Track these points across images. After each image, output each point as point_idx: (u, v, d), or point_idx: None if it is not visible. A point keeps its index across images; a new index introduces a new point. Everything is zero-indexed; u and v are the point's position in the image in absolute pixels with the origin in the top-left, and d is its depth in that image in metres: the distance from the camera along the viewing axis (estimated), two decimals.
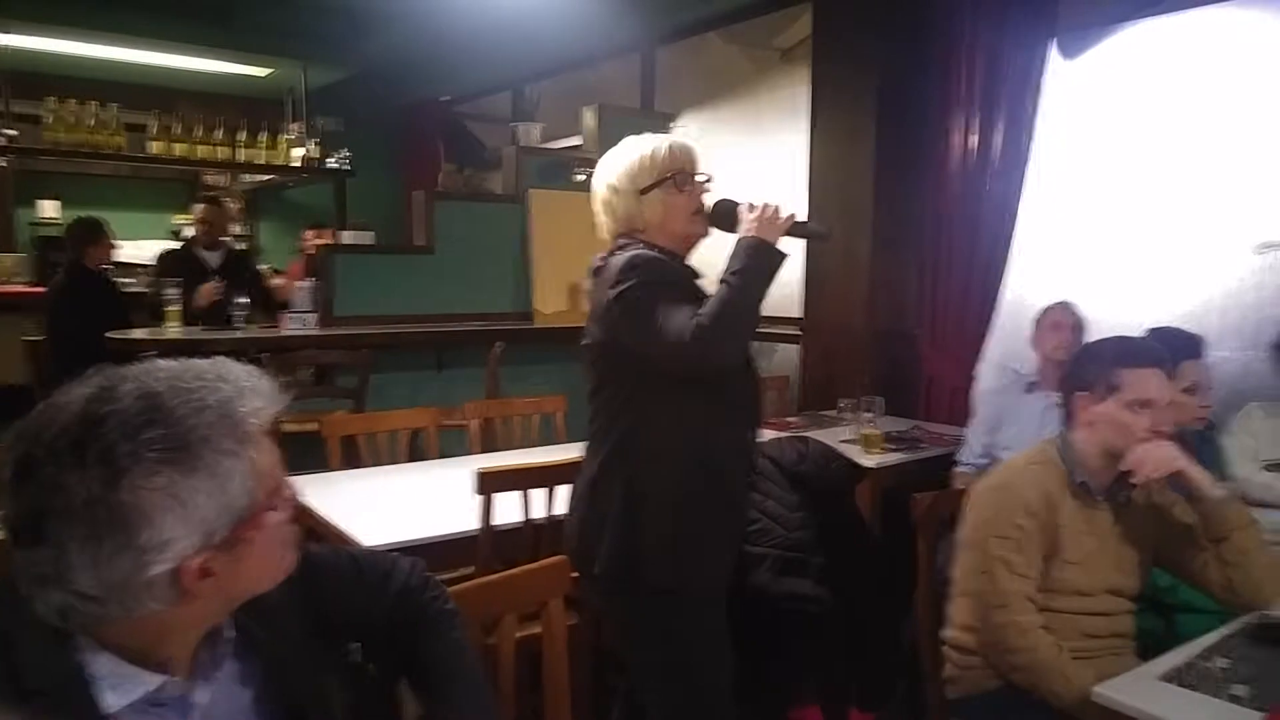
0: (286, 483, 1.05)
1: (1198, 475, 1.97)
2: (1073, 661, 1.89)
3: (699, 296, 2.02)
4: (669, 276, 1.99)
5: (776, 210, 2.02)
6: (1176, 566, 2.13)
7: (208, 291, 5.06)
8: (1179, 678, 1.64)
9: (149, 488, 0.91)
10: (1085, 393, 2.05)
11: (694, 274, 2.12)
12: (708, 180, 2.14)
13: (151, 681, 1.00)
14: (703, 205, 2.11)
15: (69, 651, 0.96)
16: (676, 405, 1.99)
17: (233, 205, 7.79)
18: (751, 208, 2.03)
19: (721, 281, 1.95)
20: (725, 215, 2.08)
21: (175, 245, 6.27)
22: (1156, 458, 1.95)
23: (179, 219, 8.28)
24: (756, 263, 1.95)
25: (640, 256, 1.98)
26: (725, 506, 2.08)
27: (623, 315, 1.94)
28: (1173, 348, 2.29)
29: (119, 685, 0.98)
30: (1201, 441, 2.53)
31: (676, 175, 2.07)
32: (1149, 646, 2.04)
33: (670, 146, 2.09)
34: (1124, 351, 2.05)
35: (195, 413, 0.95)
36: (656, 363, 1.95)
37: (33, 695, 0.93)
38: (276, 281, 5.95)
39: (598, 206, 2.14)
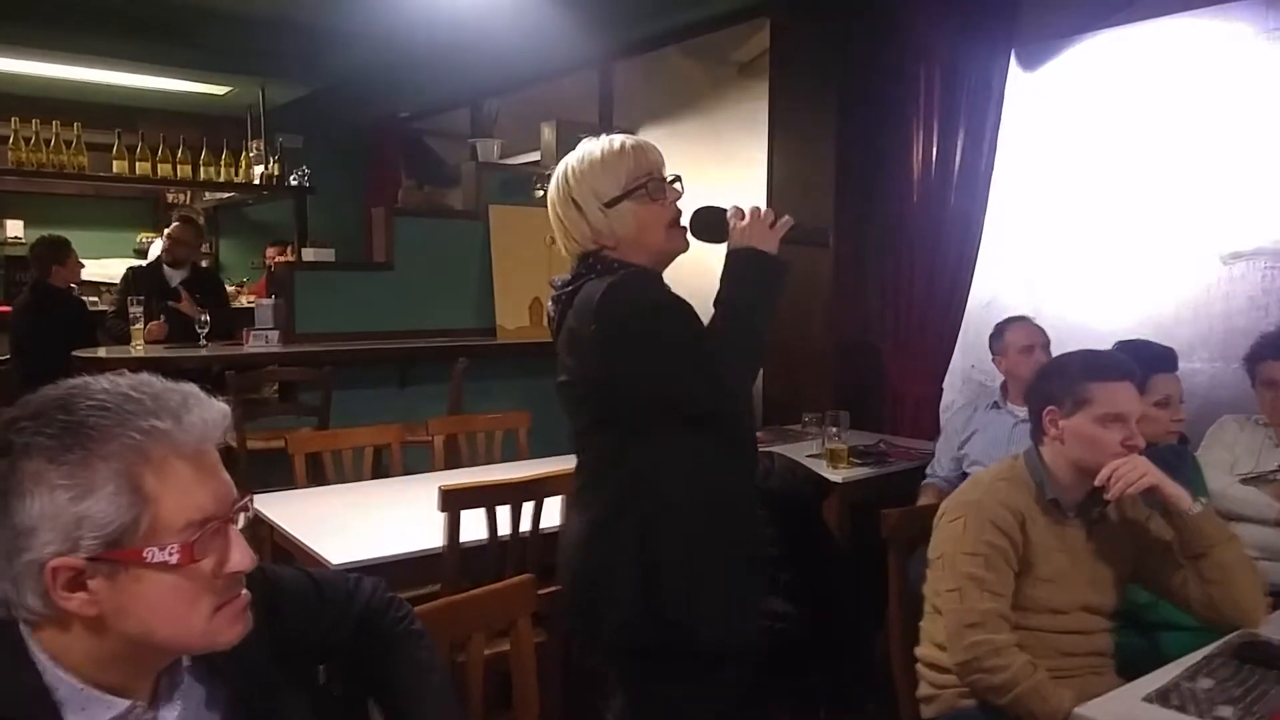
0: (218, 543, 1.00)
1: (1173, 490, 1.93)
2: (1051, 681, 1.83)
3: (689, 313, 1.78)
4: (656, 303, 1.75)
5: (769, 213, 1.79)
6: (1155, 583, 2.09)
7: (156, 330, 5.01)
8: (1163, 699, 1.59)
9: (30, 467, 0.92)
10: (1053, 407, 2.01)
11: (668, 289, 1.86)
12: (678, 183, 1.87)
13: (115, 706, 0.99)
14: (679, 214, 1.85)
15: (33, 676, 0.96)
16: (679, 445, 1.77)
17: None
18: (741, 214, 1.80)
19: (720, 303, 1.74)
20: (709, 225, 1.83)
21: (141, 263, 6.25)
22: (1129, 473, 1.90)
23: (143, 237, 8.26)
24: (758, 279, 1.75)
25: (618, 286, 1.72)
26: (743, 547, 1.87)
27: (614, 354, 1.71)
28: (1143, 361, 2.26)
29: (83, 710, 0.98)
30: (1175, 456, 2.48)
31: (648, 182, 1.80)
32: (1130, 664, 2.00)
33: (635, 148, 1.82)
34: (1092, 365, 2.02)
35: (94, 411, 0.94)
36: (658, 401, 1.73)
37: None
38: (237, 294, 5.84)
39: (556, 223, 1.87)
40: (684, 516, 1.76)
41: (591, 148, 1.84)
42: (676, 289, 1.83)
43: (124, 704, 1.00)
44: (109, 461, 0.93)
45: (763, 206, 1.81)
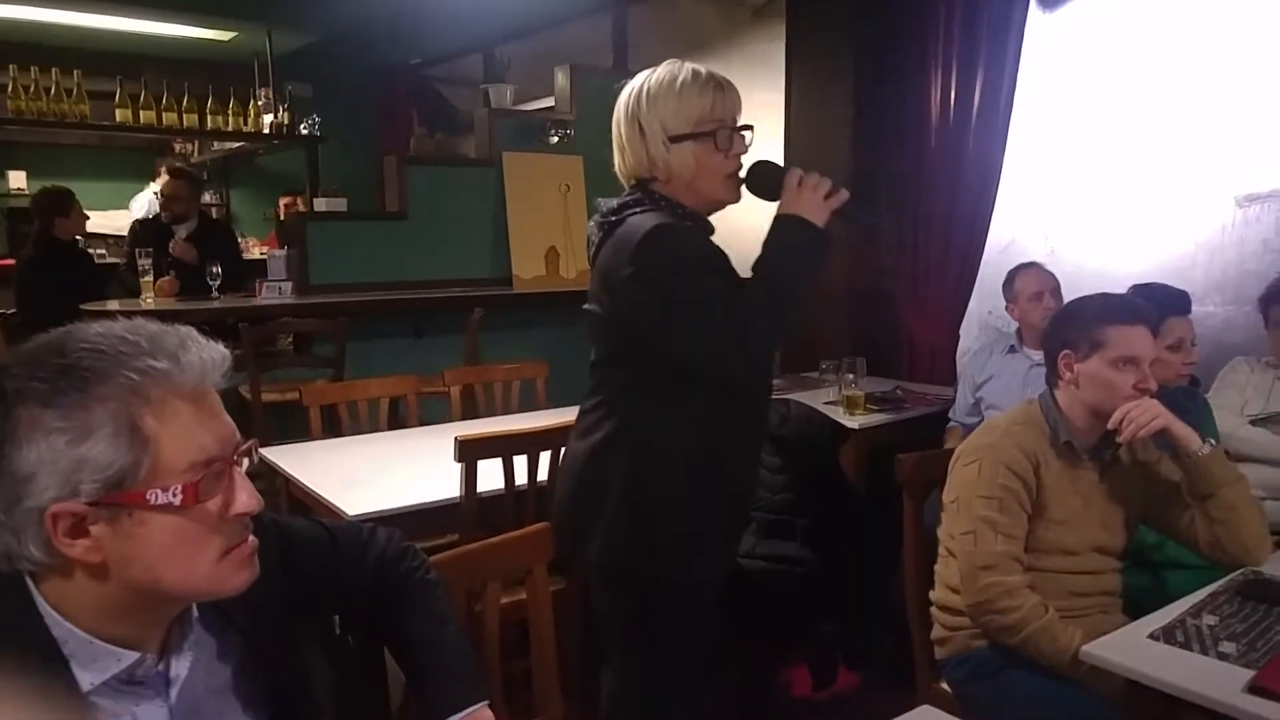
0: (223, 483, 0.99)
1: (1183, 432, 1.97)
2: (1060, 621, 1.89)
3: (727, 270, 1.81)
4: (699, 254, 1.75)
5: (827, 184, 1.76)
6: (1163, 524, 2.12)
7: (167, 287, 4.94)
8: (1168, 636, 1.63)
9: (20, 416, 0.91)
10: (1069, 351, 2.03)
11: (711, 230, 1.88)
12: (749, 133, 1.84)
13: (125, 658, 0.99)
14: (740, 167, 1.83)
15: (41, 627, 0.96)
16: (687, 396, 1.80)
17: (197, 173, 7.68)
18: (799, 178, 1.76)
19: (758, 267, 1.74)
20: (765, 181, 1.81)
21: (148, 215, 6.19)
22: (1141, 415, 1.93)
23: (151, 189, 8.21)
24: (801, 250, 1.73)
25: (661, 230, 1.70)
26: (733, 502, 1.95)
27: (643, 299, 1.72)
28: (1157, 304, 2.27)
29: (92, 663, 0.97)
30: (1186, 398, 2.50)
31: (718, 130, 1.77)
32: (1136, 604, 2.03)
33: (716, 90, 1.78)
34: (1108, 309, 2.03)
35: (89, 354, 0.93)
36: (674, 355, 1.75)
37: (10, 673, 0.92)
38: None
39: (615, 138, 1.84)
40: (675, 458, 1.80)
41: (673, 73, 1.78)
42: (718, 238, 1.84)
43: (133, 656, 0.99)
44: (106, 403, 0.92)
45: (822, 177, 1.77)
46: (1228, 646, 1.58)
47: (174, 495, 0.95)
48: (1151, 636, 1.64)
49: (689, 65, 1.80)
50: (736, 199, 1.85)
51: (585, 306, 1.89)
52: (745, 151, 1.83)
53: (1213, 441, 2.01)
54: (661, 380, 1.80)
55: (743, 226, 1.98)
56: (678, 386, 1.79)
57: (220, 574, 1.00)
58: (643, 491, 1.81)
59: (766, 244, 1.76)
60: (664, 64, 1.81)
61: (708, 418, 1.82)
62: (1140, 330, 2.00)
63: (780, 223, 1.75)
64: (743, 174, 1.83)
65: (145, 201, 7.23)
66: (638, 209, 1.78)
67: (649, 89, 1.78)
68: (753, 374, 1.87)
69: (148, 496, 0.94)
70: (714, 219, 1.90)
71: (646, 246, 1.68)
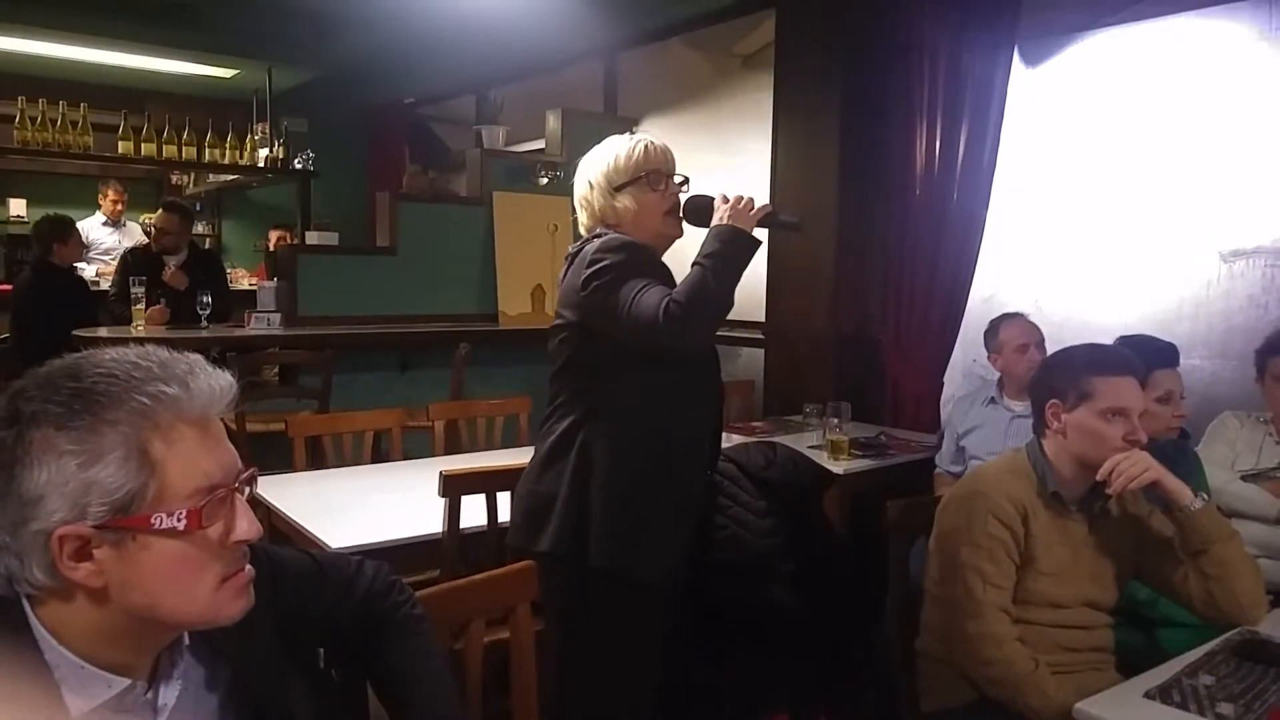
0: (225, 509, 1.00)
1: (1174, 485, 1.94)
2: (1051, 676, 1.85)
3: (670, 280, 2.06)
4: (642, 257, 2.04)
5: (751, 201, 2.06)
6: (1156, 579, 2.09)
7: (157, 316, 4.98)
8: (1164, 695, 1.60)
9: (33, 437, 0.91)
10: (1056, 401, 2.02)
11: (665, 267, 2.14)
12: (684, 182, 2.19)
13: (115, 685, 0.99)
14: (677, 204, 2.16)
15: (35, 652, 0.96)
16: (637, 389, 2.04)
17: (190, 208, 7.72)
18: (725, 199, 2.07)
19: (695, 264, 1.98)
20: (699, 210, 2.12)
21: (139, 244, 6.24)
22: (1131, 468, 1.90)
23: (147, 218, 8.23)
24: (730, 248, 1.98)
25: (614, 239, 2.04)
26: (676, 494, 2.10)
27: (595, 293, 1.98)
28: (1146, 356, 2.25)
29: (82, 689, 0.97)
30: (1176, 452, 2.48)
31: (649, 174, 2.12)
32: (1129, 662, 2.01)
33: (645, 147, 2.14)
34: (1096, 359, 2.02)
35: (103, 379, 0.94)
36: (624, 340, 1.99)
37: (1, 697, 0.93)
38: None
39: (577, 201, 2.20)
40: (622, 452, 2.03)
41: (614, 141, 2.18)
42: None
43: (123, 683, 1.00)
44: (117, 427, 0.93)
45: (745, 194, 2.08)
46: (1225, 708, 1.54)
47: (178, 520, 0.96)
48: (1147, 695, 1.60)
49: (627, 136, 2.19)
50: (679, 232, 2.19)
51: (551, 325, 2.15)
52: (678, 191, 2.18)
53: (1205, 496, 1.98)
54: (613, 369, 2.04)
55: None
56: (627, 373, 2.04)
57: (218, 602, 1.01)
58: (592, 479, 2.02)
59: (703, 244, 2.02)
60: (605, 140, 2.20)
61: (655, 409, 2.05)
62: (1129, 381, 1.98)
63: (714, 229, 2.04)
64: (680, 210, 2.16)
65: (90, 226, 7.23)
66: (595, 239, 2.08)
67: (594, 154, 2.18)
68: (684, 345, 2.03)
69: (153, 521, 0.94)
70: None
71: (599, 250, 2.01)
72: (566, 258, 2.16)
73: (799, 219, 2.30)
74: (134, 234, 7.18)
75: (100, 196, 7.21)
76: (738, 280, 1.99)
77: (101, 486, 0.92)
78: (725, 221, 2.02)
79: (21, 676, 0.94)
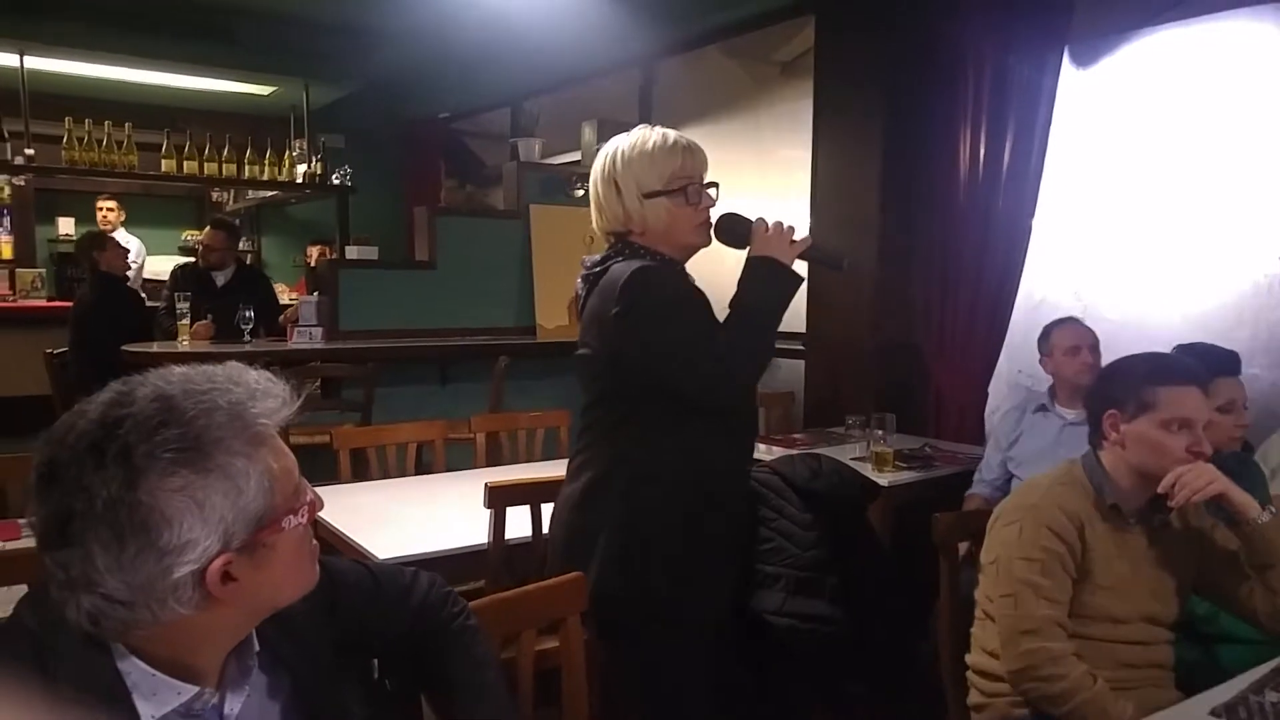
0: (306, 487, 1.06)
1: (1241, 498, 1.86)
2: (1111, 693, 1.79)
3: (707, 308, 1.94)
4: (678, 294, 1.90)
5: (791, 230, 1.93)
6: (1218, 594, 2.02)
7: (203, 331, 5.09)
8: (1230, 713, 1.55)
9: (166, 489, 0.91)
10: (1115, 411, 1.94)
11: (691, 281, 2.01)
12: (714, 189, 2.01)
13: (185, 692, 1.00)
14: (709, 218, 1.99)
15: (107, 659, 0.97)
16: (678, 425, 1.91)
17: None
18: (765, 225, 1.94)
19: (736, 304, 1.89)
20: (733, 230, 1.98)
21: (187, 261, 6.36)
22: (1195, 480, 1.83)
23: (189, 234, 8.39)
24: (773, 286, 1.89)
25: (645, 272, 1.86)
26: (725, 528, 2.01)
27: (632, 336, 1.85)
28: (1207, 364, 2.18)
29: (153, 695, 0.98)
30: (1238, 463, 2.40)
31: (688, 187, 1.93)
32: (1188, 678, 1.96)
33: (684, 151, 1.94)
34: (1158, 368, 1.95)
35: (206, 414, 0.95)
36: (667, 387, 1.87)
37: (73, 703, 0.93)
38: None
39: (593, 198, 2.00)
40: (665, 494, 1.91)
41: (645, 137, 1.96)
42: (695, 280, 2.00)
43: (192, 690, 1.01)
44: (238, 458, 0.97)
45: (786, 221, 1.94)
46: None
47: (303, 515, 1.04)
48: (1213, 713, 1.54)
49: (660, 129, 1.97)
50: (707, 243, 2.00)
51: (577, 352, 2.00)
52: (713, 204, 1.99)
53: (1273, 509, 1.90)
54: (650, 414, 1.92)
55: (714, 272, 2.14)
56: (666, 418, 1.91)
57: (313, 571, 1.09)
58: (635, 525, 1.90)
59: (742, 281, 1.92)
60: (636, 129, 1.98)
61: (697, 448, 1.93)
62: (1194, 391, 1.90)
63: (753, 263, 1.92)
64: (712, 223, 1.99)
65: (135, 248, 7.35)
66: (618, 258, 1.94)
67: (623, 152, 1.95)
68: (737, 400, 1.97)
69: (284, 524, 1.01)
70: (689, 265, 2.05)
71: (630, 284, 1.83)
72: (585, 278, 2.00)
73: (844, 257, 2.15)
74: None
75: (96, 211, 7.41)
76: (780, 319, 1.92)
77: (244, 513, 0.97)
78: (765, 253, 1.91)
79: (94, 684, 0.96)
